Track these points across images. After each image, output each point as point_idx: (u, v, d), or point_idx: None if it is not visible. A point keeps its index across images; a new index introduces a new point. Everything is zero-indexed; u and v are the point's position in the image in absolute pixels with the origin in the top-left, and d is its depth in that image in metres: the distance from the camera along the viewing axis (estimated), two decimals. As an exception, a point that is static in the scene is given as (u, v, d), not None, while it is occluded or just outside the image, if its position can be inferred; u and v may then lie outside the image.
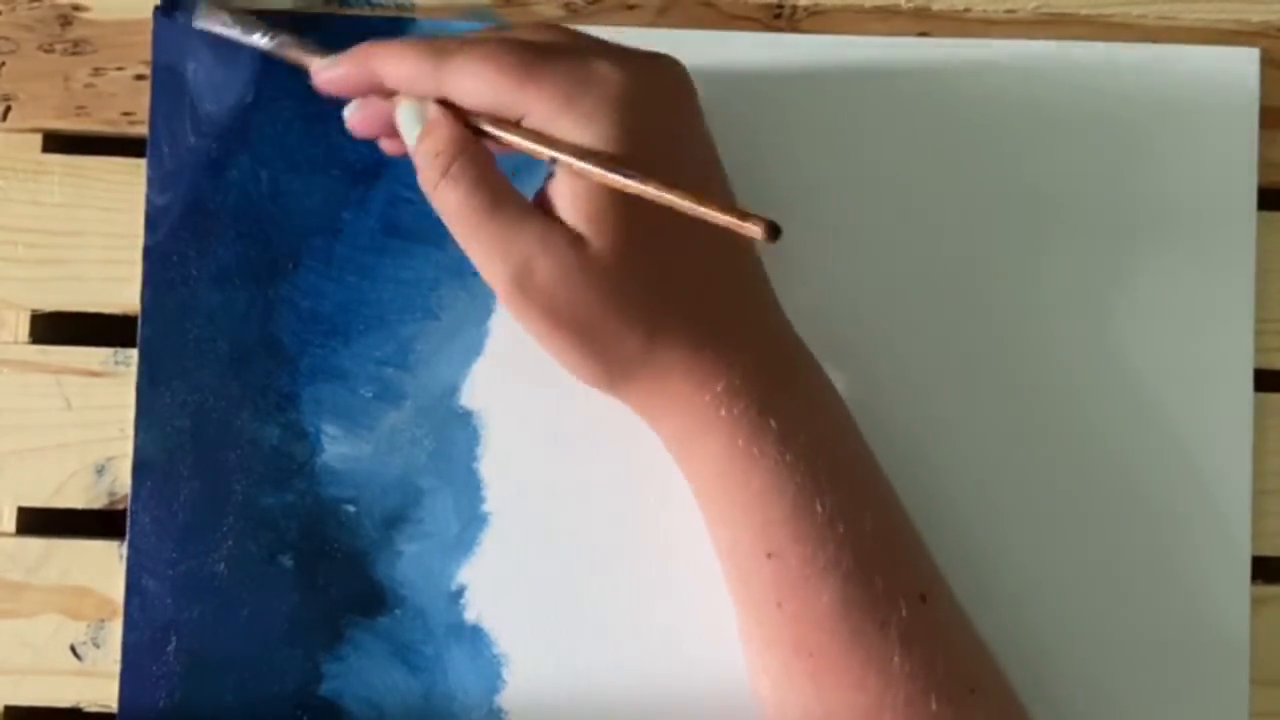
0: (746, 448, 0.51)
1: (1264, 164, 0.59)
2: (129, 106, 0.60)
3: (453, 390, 0.58)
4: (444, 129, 0.52)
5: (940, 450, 0.58)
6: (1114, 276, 0.59)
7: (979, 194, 0.59)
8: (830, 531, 0.51)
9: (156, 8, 0.59)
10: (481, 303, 0.58)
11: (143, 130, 0.59)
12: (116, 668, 0.57)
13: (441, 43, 0.52)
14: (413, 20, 0.59)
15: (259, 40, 0.57)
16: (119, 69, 0.60)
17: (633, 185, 0.49)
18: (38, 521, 0.59)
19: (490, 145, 0.52)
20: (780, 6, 0.60)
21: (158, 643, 0.57)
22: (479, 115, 0.52)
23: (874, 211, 0.59)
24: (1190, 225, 0.59)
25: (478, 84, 0.51)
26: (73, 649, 0.58)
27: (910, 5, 0.60)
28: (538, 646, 0.58)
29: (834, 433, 0.54)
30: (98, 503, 0.58)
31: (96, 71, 0.60)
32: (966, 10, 0.60)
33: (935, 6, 0.60)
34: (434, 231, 0.58)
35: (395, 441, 0.58)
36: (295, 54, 0.56)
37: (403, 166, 0.57)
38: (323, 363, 0.58)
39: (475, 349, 0.59)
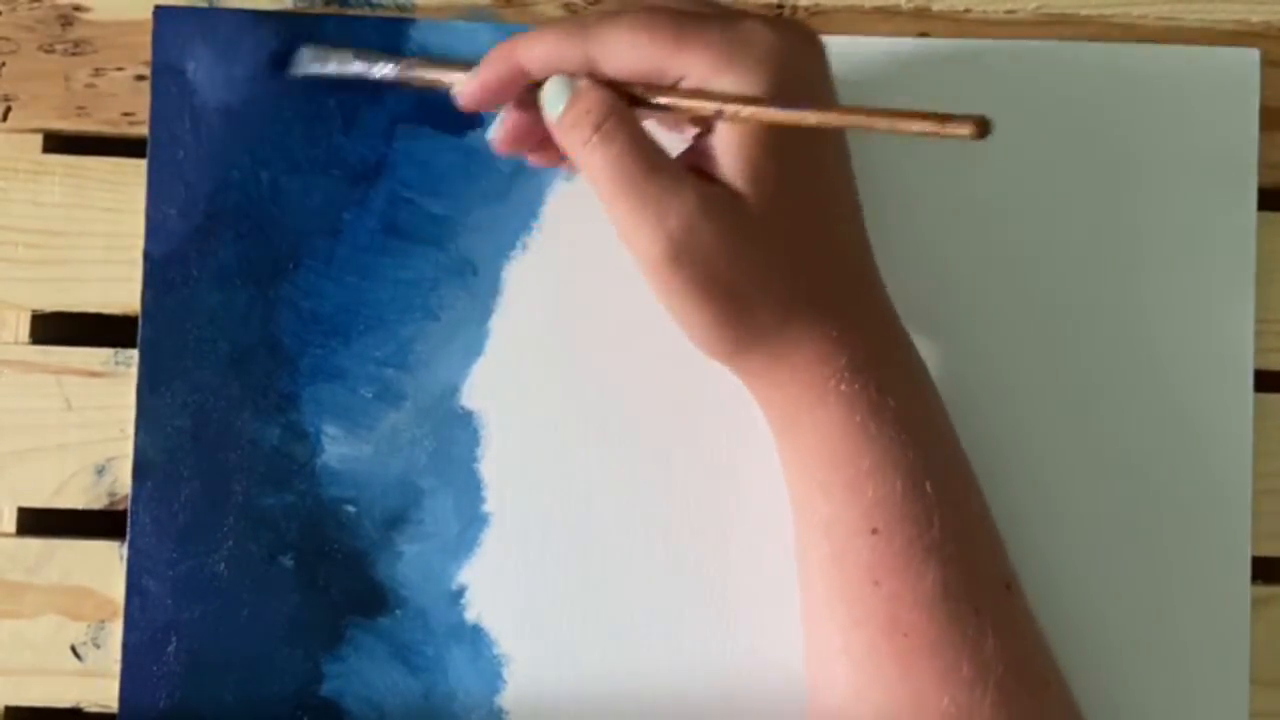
0: (864, 423, 0.51)
1: (1264, 165, 0.59)
2: (129, 107, 0.60)
3: (453, 390, 0.59)
4: (595, 91, 0.51)
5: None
6: (1114, 277, 0.59)
7: (979, 194, 0.59)
8: (937, 513, 0.51)
9: (157, 8, 0.59)
10: (482, 303, 0.58)
11: (143, 131, 0.59)
12: (117, 668, 0.57)
13: (582, 19, 0.51)
14: (413, 20, 0.59)
15: (384, 70, 0.56)
16: (119, 69, 0.60)
17: (813, 117, 0.48)
18: (38, 522, 0.59)
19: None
20: (780, 7, 0.60)
21: (158, 643, 0.57)
22: (631, 85, 0.51)
23: (874, 212, 0.59)
24: (1191, 226, 0.59)
25: (631, 51, 0.50)
26: (73, 649, 0.58)
27: (910, 5, 0.60)
28: (538, 647, 0.58)
29: (939, 416, 0.54)
30: (98, 503, 0.59)
31: (97, 72, 0.60)
32: (966, 11, 0.60)
33: (935, 7, 0.60)
34: (434, 232, 0.58)
35: (395, 442, 0.58)
36: (425, 75, 0.55)
37: (404, 166, 0.57)
38: (323, 363, 0.58)
39: (475, 349, 0.59)
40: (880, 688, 0.51)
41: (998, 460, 0.58)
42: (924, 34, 0.60)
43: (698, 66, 0.50)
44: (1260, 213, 0.59)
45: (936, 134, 0.46)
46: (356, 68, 0.57)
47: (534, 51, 0.52)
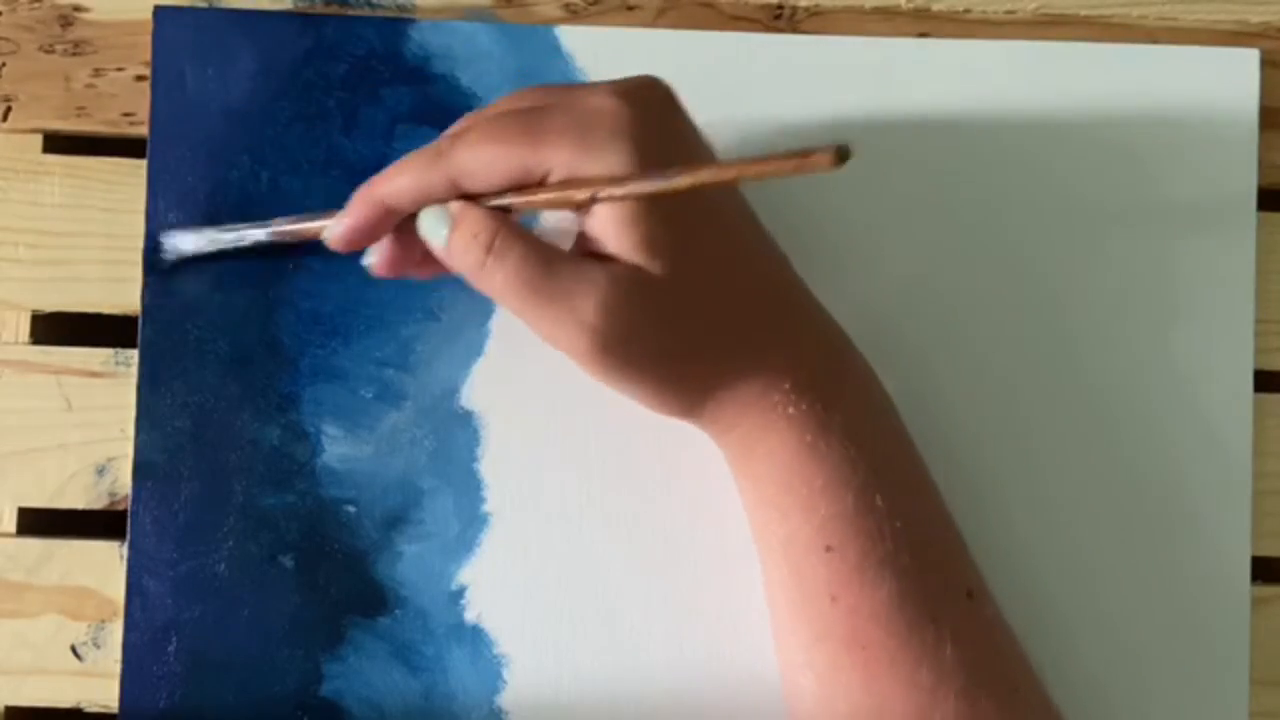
0: (814, 442, 0.52)
1: (1264, 165, 0.59)
2: (129, 107, 0.60)
3: (453, 391, 0.59)
4: (474, 212, 0.51)
5: (939, 450, 0.58)
6: (1114, 277, 0.59)
7: (980, 195, 0.59)
8: (889, 526, 0.52)
9: (157, 8, 0.59)
10: (482, 303, 0.58)
11: (143, 131, 0.59)
12: (117, 668, 0.57)
13: (432, 145, 0.52)
14: (413, 21, 0.59)
15: (254, 235, 0.57)
16: (119, 70, 0.60)
17: (685, 180, 0.48)
18: (38, 522, 0.59)
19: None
20: (780, 7, 0.60)
21: (158, 643, 0.57)
22: (499, 194, 0.52)
23: (872, 214, 0.59)
24: (1191, 226, 0.59)
25: (490, 163, 0.51)
26: (73, 649, 0.58)
27: (910, 6, 0.60)
28: (538, 647, 0.58)
29: (889, 428, 0.54)
30: (98, 503, 0.58)
31: (97, 72, 0.60)
32: (966, 11, 0.60)
33: (935, 7, 0.60)
34: (434, 232, 0.58)
35: (396, 442, 0.58)
36: (294, 229, 0.56)
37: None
38: (323, 363, 0.58)
39: (475, 350, 0.59)
40: (844, 699, 0.52)
41: (997, 460, 0.58)
42: (924, 34, 0.60)
43: (559, 157, 0.50)
44: (1260, 213, 0.59)
45: (798, 171, 0.46)
46: (226, 238, 0.57)
47: (397, 187, 0.52)
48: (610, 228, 0.50)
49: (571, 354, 0.51)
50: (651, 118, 0.51)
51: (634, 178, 0.49)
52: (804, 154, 0.45)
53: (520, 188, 0.51)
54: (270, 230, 0.56)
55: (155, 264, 0.58)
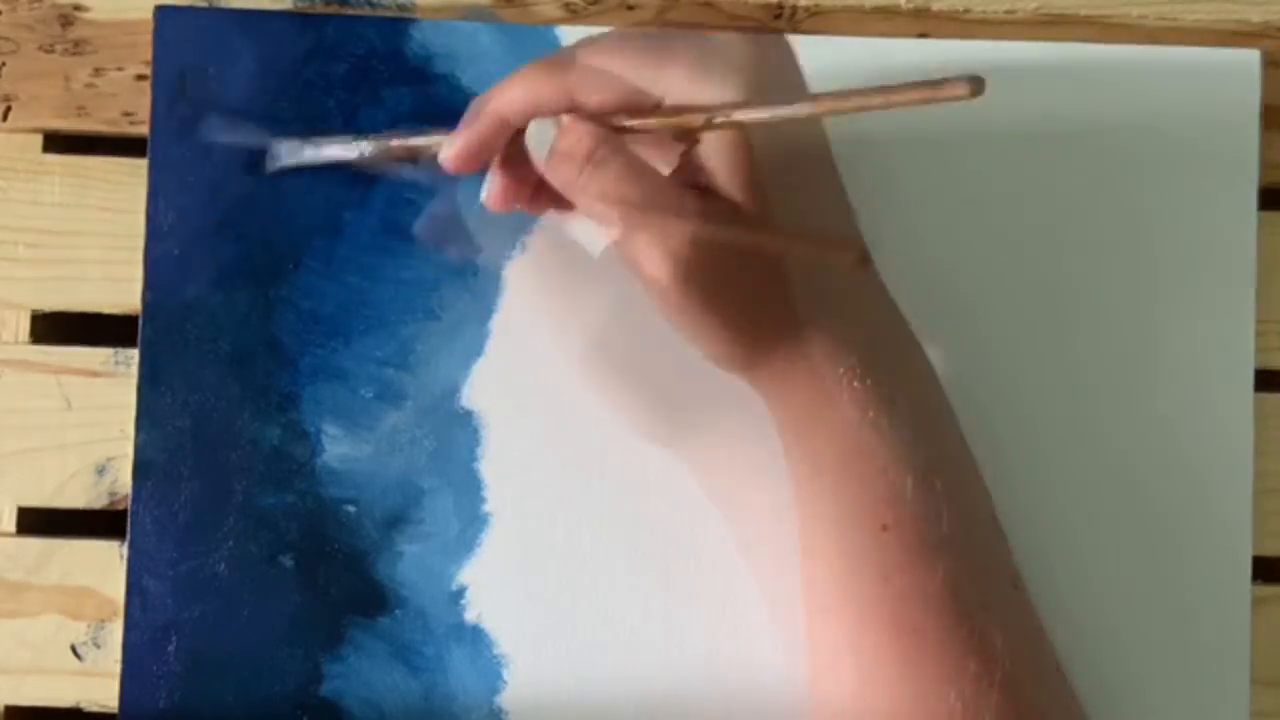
0: (876, 419, 0.51)
1: (1265, 164, 0.59)
2: (129, 106, 0.60)
3: (453, 390, 0.58)
4: (579, 123, 0.51)
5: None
6: (1115, 277, 0.59)
7: (980, 195, 0.59)
8: (946, 508, 0.51)
9: (157, 7, 0.59)
10: (482, 303, 0.58)
11: (143, 130, 0.59)
12: (117, 668, 0.57)
13: (554, 56, 0.52)
14: (414, 20, 0.59)
15: (362, 149, 0.57)
16: (119, 69, 0.60)
17: (805, 108, 0.48)
18: (38, 521, 0.59)
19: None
20: (780, 7, 0.60)
21: (158, 642, 0.57)
22: (614, 114, 0.51)
23: (874, 213, 0.59)
24: (1192, 225, 0.59)
25: (607, 78, 0.51)
26: (73, 649, 0.58)
27: (910, 5, 0.60)
28: (538, 647, 0.58)
29: (947, 413, 0.54)
30: (98, 503, 0.58)
31: (97, 72, 0.60)
32: (966, 10, 0.60)
33: (935, 6, 0.60)
34: (435, 232, 0.58)
35: (396, 442, 0.58)
36: (405, 144, 0.56)
37: (405, 168, 0.57)
38: (323, 363, 0.58)
39: (476, 349, 0.59)
40: (885, 684, 0.51)
41: (999, 459, 0.58)
42: (924, 34, 0.60)
43: (676, 82, 0.50)
44: (1261, 212, 0.59)
45: (932, 100, 0.45)
46: (333, 151, 0.57)
47: (512, 97, 0.52)
48: (713, 161, 0.50)
49: (650, 282, 0.50)
50: (771, 59, 0.51)
51: (752, 103, 0.49)
52: (936, 85, 0.45)
53: (634, 111, 0.51)
54: (377, 145, 0.56)
55: (258, 170, 0.59)
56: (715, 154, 0.50)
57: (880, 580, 0.51)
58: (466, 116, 0.53)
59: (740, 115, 0.49)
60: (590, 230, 0.56)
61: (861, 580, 0.52)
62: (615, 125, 0.51)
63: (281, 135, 0.58)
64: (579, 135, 0.51)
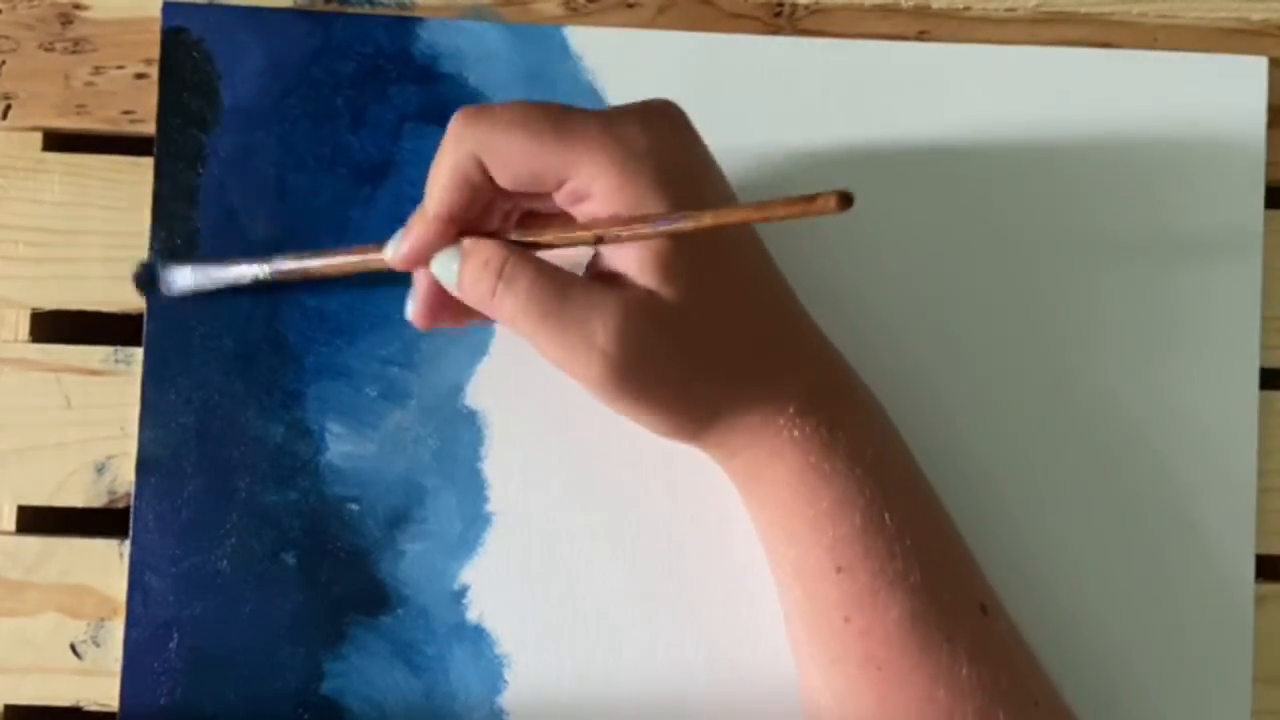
0: (819, 464, 0.52)
1: (1271, 163, 0.59)
2: (129, 105, 0.59)
3: (457, 390, 0.58)
4: (484, 242, 0.51)
5: (941, 450, 0.58)
6: (1120, 276, 0.59)
7: (985, 197, 0.59)
8: (899, 545, 0.51)
9: (166, 3, 0.59)
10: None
11: (143, 129, 0.59)
12: (116, 666, 0.57)
13: (457, 127, 0.51)
14: (415, 20, 0.59)
15: (252, 272, 0.57)
16: (119, 68, 0.59)
17: (705, 220, 0.48)
18: (38, 520, 0.59)
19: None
20: (780, 5, 0.60)
21: (160, 640, 0.57)
22: (506, 233, 0.52)
23: (879, 218, 0.59)
24: (1197, 225, 0.59)
25: (515, 148, 0.50)
26: (73, 648, 0.58)
27: (910, 4, 0.60)
28: (540, 647, 0.58)
29: (893, 446, 0.54)
30: (98, 501, 0.58)
31: (97, 70, 0.59)
32: (966, 8, 0.60)
33: (935, 5, 0.60)
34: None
35: (399, 440, 0.58)
36: (326, 265, 0.56)
37: (411, 165, 0.57)
38: (328, 361, 0.58)
39: (480, 349, 0.59)
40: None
41: (1001, 458, 0.58)
42: (924, 32, 0.60)
43: (583, 170, 0.50)
44: (1266, 211, 0.59)
45: (805, 214, 0.46)
46: (232, 275, 0.57)
47: (440, 195, 0.51)
48: (627, 252, 0.50)
49: (584, 380, 0.51)
50: (673, 148, 0.51)
51: (638, 221, 0.49)
52: (809, 199, 0.46)
53: (531, 224, 0.52)
54: (275, 271, 0.57)
55: (149, 294, 0.59)
56: (632, 250, 0.50)
57: (841, 620, 0.52)
58: (411, 219, 0.53)
59: (630, 233, 0.49)
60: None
61: (826, 621, 0.52)
62: (514, 240, 0.52)
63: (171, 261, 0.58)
64: (485, 254, 0.51)
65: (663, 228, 0.49)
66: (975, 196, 0.59)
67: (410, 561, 0.58)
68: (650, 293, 0.50)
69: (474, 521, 0.58)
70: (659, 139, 0.51)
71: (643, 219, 0.49)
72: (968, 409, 0.59)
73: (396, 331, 0.58)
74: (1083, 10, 0.60)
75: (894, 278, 0.59)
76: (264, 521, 0.58)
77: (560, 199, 0.51)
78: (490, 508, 0.58)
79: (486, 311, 0.52)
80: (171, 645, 0.57)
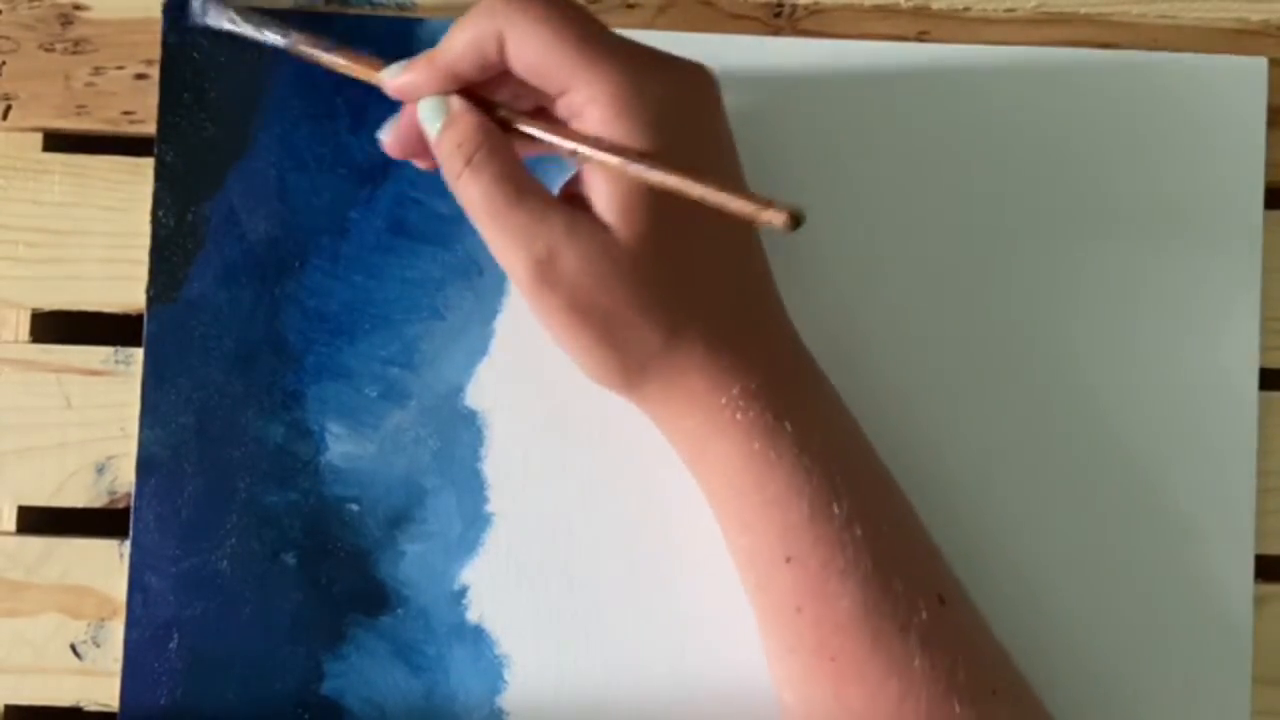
0: (763, 451, 0.52)
1: (1270, 164, 0.59)
2: (130, 105, 0.59)
3: (457, 390, 0.58)
4: (466, 120, 0.52)
5: (942, 449, 0.58)
6: (1119, 277, 0.59)
7: (985, 196, 0.59)
8: (848, 534, 0.51)
9: (167, 3, 0.59)
10: (487, 303, 0.58)
11: (143, 129, 0.59)
12: (116, 667, 0.57)
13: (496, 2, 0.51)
14: (416, 20, 0.59)
15: (271, 38, 0.57)
16: (119, 68, 0.59)
17: (656, 177, 0.49)
18: (38, 520, 0.59)
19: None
20: (780, 5, 0.60)
21: (160, 640, 0.57)
22: (501, 107, 0.52)
23: (874, 216, 0.59)
24: (1197, 226, 0.59)
25: (539, 42, 0.50)
26: (73, 648, 0.58)
27: (910, 4, 0.60)
28: (540, 648, 0.58)
29: (845, 436, 0.54)
30: (98, 502, 0.58)
31: (97, 71, 0.59)
32: (966, 9, 0.60)
33: (935, 5, 0.60)
34: (440, 231, 0.58)
35: (399, 441, 0.58)
36: (335, 63, 0.56)
37: (410, 166, 0.57)
38: (328, 361, 0.58)
39: (480, 349, 0.59)
40: (821, 711, 0.52)
41: (1001, 458, 0.58)
42: (923, 32, 0.60)
43: (590, 105, 0.50)
44: (1266, 211, 0.59)
45: (753, 218, 0.47)
46: (247, 30, 0.57)
47: (458, 50, 0.52)
48: (598, 182, 0.51)
49: (514, 280, 0.51)
50: (687, 108, 0.51)
51: (623, 152, 0.49)
52: (765, 202, 0.46)
53: (522, 114, 0.52)
54: (291, 44, 0.56)
55: (174, 21, 0.59)
56: (601, 174, 0.51)
57: (793, 610, 0.52)
58: (422, 55, 0.53)
59: (601, 158, 0.50)
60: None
61: (779, 612, 0.52)
62: (503, 120, 0.52)
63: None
64: (463, 135, 0.52)
65: (630, 169, 0.49)
66: (974, 198, 0.59)
67: (410, 562, 0.58)
68: (604, 226, 0.50)
69: (474, 522, 0.58)
70: (672, 90, 0.51)
71: (618, 150, 0.49)
72: (965, 409, 0.59)
73: (396, 332, 0.58)
74: (1083, 10, 0.60)
75: (893, 278, 0.59)
76: (264, 522, 0.58)
77: (559, 108, 0.52)
78: (490, 508, 0.58)
79: (449, 187, 0.52)
80: (171, 645, 0.57)
